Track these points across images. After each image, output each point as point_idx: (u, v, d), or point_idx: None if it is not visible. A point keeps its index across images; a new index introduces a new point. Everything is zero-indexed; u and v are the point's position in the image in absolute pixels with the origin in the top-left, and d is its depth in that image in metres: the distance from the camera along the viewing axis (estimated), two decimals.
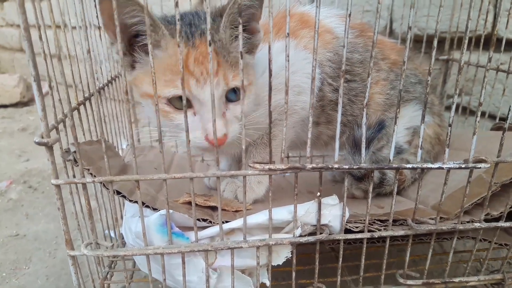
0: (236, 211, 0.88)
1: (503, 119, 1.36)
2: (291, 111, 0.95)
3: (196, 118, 0.80)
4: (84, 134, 0.90)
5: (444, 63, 1.50)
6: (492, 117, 1.41)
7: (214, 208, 0.90)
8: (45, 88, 0.72)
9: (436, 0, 1.41)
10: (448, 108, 1.57)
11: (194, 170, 1.31)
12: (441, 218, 0.83)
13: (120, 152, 1.26)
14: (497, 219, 0.82)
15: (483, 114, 1.42)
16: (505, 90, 1.25)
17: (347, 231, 0.78)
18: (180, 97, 0.78)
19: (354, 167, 0.71)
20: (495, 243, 0.84)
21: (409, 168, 0.70)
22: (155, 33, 0.76)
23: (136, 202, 0.75)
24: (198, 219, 0.79)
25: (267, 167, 0.70)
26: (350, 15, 0.59)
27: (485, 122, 1.42)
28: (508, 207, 0.81)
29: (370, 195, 0.75)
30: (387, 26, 1.54)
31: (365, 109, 0.67)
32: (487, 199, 0.77)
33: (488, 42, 1.35)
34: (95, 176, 0.76)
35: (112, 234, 1.08)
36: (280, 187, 1.15)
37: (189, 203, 0.88)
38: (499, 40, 1.32)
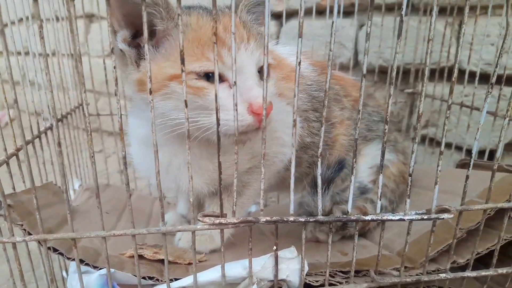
0: (189, 263, 0.82)
1: (470, 151, 1.35)
2: (270, 163, 0.90)
3: (232, 91, 0.66)
4: (24, 182, 0.83)
5: (410, 96, 1.49)
6: (458, 148, 1.39)
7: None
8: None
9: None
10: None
11: (152, 210, 1.25)
12: (406, 267, 0.79)
13: (72, 193, 1.19)
14: (464, 267, 0.79)
15: (449, 145, 1.41)
16: (470, 124, 1.24)
17: (307, 285, 0.73)
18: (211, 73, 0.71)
19: (311, 219, 0.66)
20: None
21: (368, 221, 0.66)
22: (170, 18, 0.71)
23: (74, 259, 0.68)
24: (144, 277, 0.73)
25: (217, 221, 0.64)
26: (300, 63, 0.55)
27: (452, 154, 1.40)
28: (475, 254, 0.77)
29: (329, 247, 0.70)
30: (351, 58, 1.52)
31: (319, 159, 0.63)
32: (452, 247, 0.73)
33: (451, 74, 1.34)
34: (29, 233, 0.69)
35: (65, 274, 1.00)
36: (243, 229, 1.09)
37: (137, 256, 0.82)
38: (462, 72, 1.31)
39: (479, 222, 0.77)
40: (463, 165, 1.15)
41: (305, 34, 1.59)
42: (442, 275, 0.73)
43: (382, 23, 1.39)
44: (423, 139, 1.51)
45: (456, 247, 0.81)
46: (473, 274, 0.74)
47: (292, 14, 1.64)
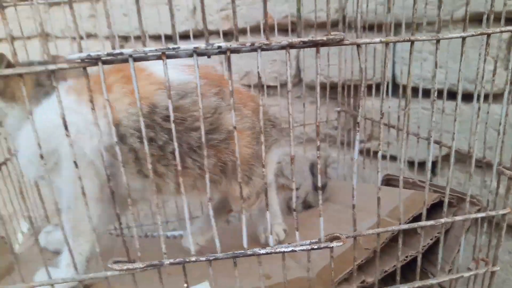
0: None
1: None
2: None
3: None
4: None
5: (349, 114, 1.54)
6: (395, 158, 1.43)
7: None
8: None
9: (336, 48, 1.44)
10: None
11: None
12: None
13: (20, 237, 1.21)
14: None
15: (385, 157, 1.45)
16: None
17: None
18: None
19: (211, 257, 0.69)
20: None
21: (263, 254, 0.70)
22: None
23: None
24: None
25: None
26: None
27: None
28: (379, 273, 0.81)
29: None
30: (292, 76, 1.56)
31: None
32: (354, 270, 0.76)
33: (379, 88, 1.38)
34: None
35: None
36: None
37: None
38: (398, 86, 1.35)
39: (383, 241, 0.82)
40: (387, 180, 1.19)
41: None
42: None
43: None
44: (367, 152, 1.53)
45: (367, 266, 0.86)
46: None
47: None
